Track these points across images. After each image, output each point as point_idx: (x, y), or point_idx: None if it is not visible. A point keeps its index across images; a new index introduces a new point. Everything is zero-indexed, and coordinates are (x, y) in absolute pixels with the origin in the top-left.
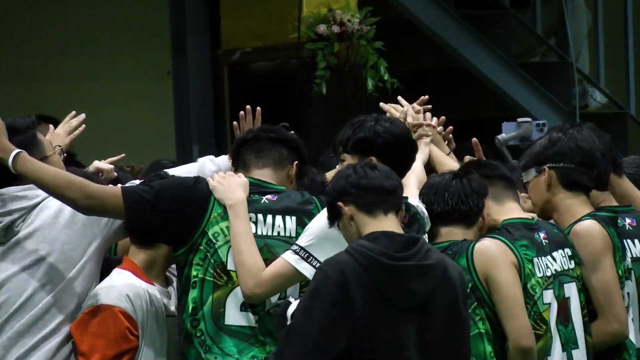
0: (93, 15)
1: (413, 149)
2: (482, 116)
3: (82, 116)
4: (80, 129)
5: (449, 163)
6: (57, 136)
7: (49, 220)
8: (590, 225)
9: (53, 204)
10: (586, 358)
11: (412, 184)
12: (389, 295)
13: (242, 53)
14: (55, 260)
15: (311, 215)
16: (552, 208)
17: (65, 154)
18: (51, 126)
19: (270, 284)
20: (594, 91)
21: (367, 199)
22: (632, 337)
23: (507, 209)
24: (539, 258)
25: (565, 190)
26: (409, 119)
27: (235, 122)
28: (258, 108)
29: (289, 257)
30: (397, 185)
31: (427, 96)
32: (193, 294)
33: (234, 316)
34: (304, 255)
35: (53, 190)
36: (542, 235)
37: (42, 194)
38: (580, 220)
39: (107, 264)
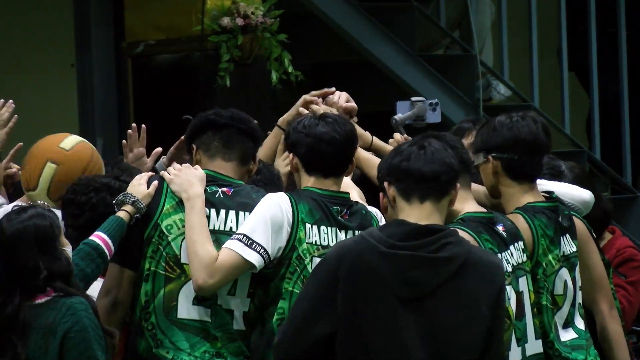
0: None
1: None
2: (386, 109)
3: (11, 105)
4: (14, 120)
5: (373, 158)
6: None
7: None
8: (513, 219)
9: None
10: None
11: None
12: (385, 283)
13: (146, 45)
14: None
15: None
16: (499, 193)
17: None
18: None
19: (221, 274)
20: (497, 84)
21: (404, 184)
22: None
23: (467, 198)
24: (501, 253)
25: (509, 180)
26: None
27: (124, 141)
28: (143, 125)
29: (233, 245)
30: (439, 171)
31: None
32: (146, 287)
33: (186, 310)
34: (247, 242)
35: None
36: (500, 227)
37: None
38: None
39: None
